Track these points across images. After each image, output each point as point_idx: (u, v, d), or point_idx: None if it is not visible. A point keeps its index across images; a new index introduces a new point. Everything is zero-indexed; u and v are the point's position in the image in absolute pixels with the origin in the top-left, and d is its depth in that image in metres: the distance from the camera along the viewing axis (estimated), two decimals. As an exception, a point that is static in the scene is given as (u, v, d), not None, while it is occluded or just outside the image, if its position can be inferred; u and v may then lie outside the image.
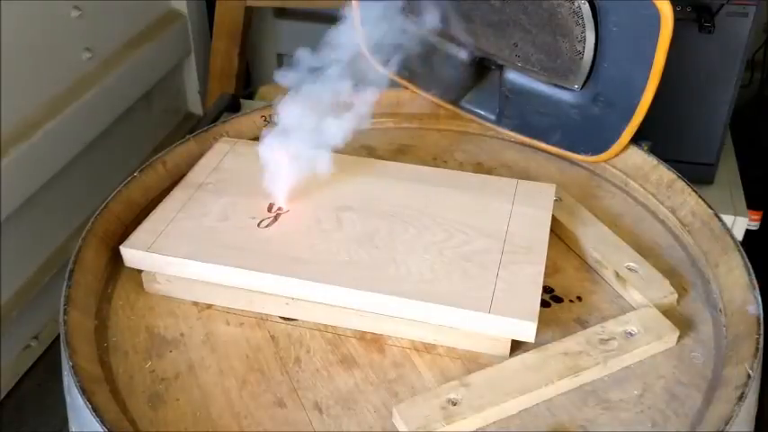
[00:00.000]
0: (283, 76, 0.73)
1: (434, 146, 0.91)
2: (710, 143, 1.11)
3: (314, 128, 0.72)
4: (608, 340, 0.62)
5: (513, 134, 0.89)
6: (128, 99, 1.50)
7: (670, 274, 0.71)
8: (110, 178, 1.19)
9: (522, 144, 0.90)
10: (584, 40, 0.77)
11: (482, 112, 0.90)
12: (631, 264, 0.70)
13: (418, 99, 0.93)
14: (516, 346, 0.63)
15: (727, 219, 1.11)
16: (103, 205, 0.74)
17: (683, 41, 0.85)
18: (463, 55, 0.88)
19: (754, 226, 1.17)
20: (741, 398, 0.56)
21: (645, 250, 0.73)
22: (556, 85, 0.83)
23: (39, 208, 1.28)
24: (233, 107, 1.38)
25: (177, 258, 0.66)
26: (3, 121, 1.17)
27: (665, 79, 0.74)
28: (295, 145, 0.72)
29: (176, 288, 0.69)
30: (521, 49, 0.83)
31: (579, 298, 0.69)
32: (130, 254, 0.68)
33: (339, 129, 0.72)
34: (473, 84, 0.91)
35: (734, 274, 0.68)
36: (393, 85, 0.93)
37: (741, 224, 1.13)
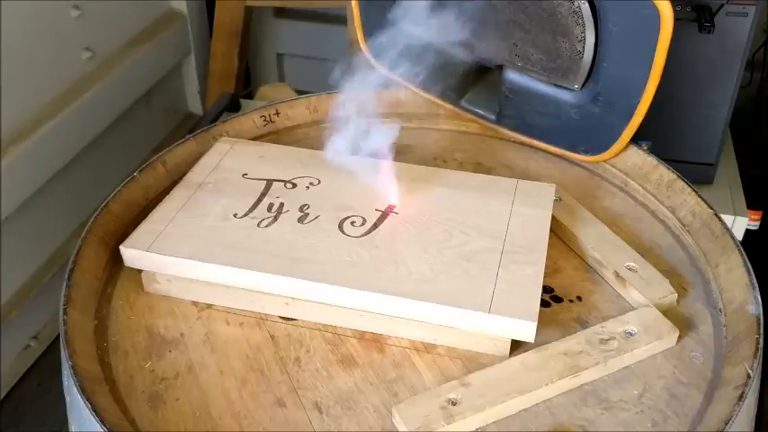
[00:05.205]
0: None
1: (434, 146, 0.91)
2: (710, 143, 1.11)
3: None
4: (608, 340, 0.62)
5: (513, 134, 0.89)
6: (128, 99, 1.50)
7: (670, 274, 0.71)
8: (110, 178, 1.20)
9: (522, 144, 0.90)
10: (583, 40, 0.77)
11: (482, 112, 0.90)
12: (631, 264, 0.70)
13: (418, 99, 0.93)
14: (516, 346, 0.63)
15: (727, 219, 1.11)
16: (103, 205, 0.74)
17: (683, 41, 0.85)
18: (463, 54, 0.88)
19: (754, 226, 1.17)
20: (741, 398, 0.56)
21: (645, 250, 0.73)
22: (556, 85, 0.83)
23: (39, 208, 1.28)
24: (233, 107, 1.38)
25: (177, 258, 0.66)
26: (3, 121, 1.17)
27: (665, 79, 0.74)
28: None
29: (176, 288, 0.69)
30: (521, 49, 0.83)
31: (579, 298, 0.69)
32: (130, 254, 0.68)
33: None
34: (473, 84, 0.91)
35: (734, 274, 0.68)
36: (393, 85, 0.93)
37: (741, 224, 1.13)
